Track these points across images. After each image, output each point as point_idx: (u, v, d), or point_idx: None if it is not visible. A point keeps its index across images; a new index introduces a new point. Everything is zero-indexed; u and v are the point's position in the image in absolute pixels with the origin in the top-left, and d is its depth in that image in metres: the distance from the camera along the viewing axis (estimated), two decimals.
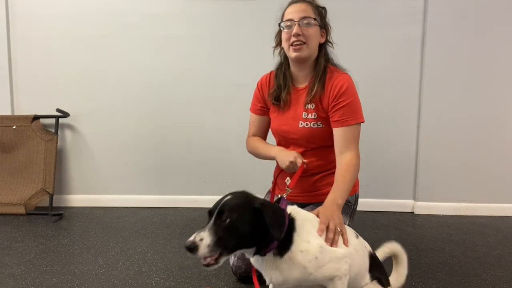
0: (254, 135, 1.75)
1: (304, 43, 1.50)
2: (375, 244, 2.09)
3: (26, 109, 2.74)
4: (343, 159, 1.48)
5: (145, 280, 1.69)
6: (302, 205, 1.67)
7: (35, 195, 2.60)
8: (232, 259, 1.66)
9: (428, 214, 2.60)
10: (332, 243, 1.18)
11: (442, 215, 2.60)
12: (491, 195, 2.61)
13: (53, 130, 2.69)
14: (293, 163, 1.50)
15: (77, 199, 2.78)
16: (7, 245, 2.07)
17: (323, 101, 1.54)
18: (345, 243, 1.20)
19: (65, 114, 2.67)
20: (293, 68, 1.61)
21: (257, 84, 1.73)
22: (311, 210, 1.57)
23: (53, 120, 2.69)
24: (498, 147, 2.59)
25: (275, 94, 1.62)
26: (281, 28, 1.55)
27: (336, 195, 1.39)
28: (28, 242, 2.11)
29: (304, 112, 1.58)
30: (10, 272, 1.76)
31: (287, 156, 1.52)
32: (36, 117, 2.67)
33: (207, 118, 2.71)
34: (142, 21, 2.66)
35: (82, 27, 2.67)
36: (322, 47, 1.58)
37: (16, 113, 2.75)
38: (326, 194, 1.59)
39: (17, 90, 2.74)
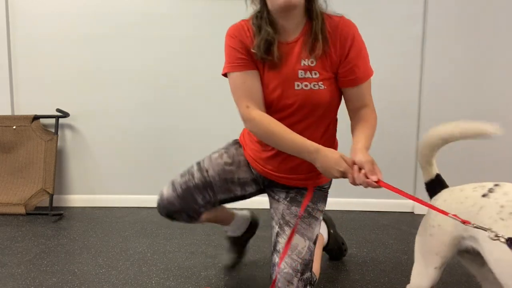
0: (258, 105, 1.30)
1: None
2: (375, 244, 2.10)
3: (26, 109, 2.74)
4: (361, 114, 1.33)
5: (145, 280, 1.69)
6: (270, 183, 1.48)
7: (35, 195, 2.60)
8: (168, 190, 1.42)
9: None
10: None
11: None
12: None
13: (53, 130, 2.69)
14: (338, 178, 1.22)
15: (77, 199, 2.78)
16: (7, 245, 2.08)
17: (330, 55, 1.29)
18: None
19: (65, 114, 2.67)
20: (277, 18, 1.30)
21: (229, 33, 1.35)
22: (285, 200, 1.41)
23: (53, 120, 2.69)
24: (498, 147, 2.59)
25: (264, 46, 1.28)
26: None
27: (365, 144, 1.23)
28: (28, 242, 2.11)
29: (300, 71, 1.29)
30: (10, 272, 1.76)
31: (332, 169, 1.20)
32: (36, 117, 2.67)
33: (207, 117, 2.70)
34: (142, 21, 2.66)
35: (83, 27, 2.67)
36: None
37: (16, 113, 2.75)
38: (304, 179, 1.41)
39: (17, 90, 2.74)
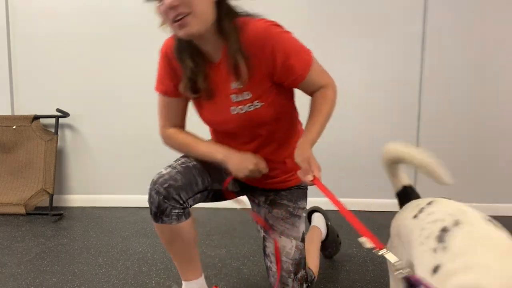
0: (175, 126, 1.36)
1: (189, 12, 1.08)
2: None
3: (26, 109, 2.74)
4: (314, 98, 1.26)
5: (145, 280, 1.69)
6: (246, 187, 1.45)
7: (35, 195, 2.60)
8: (167, 169, 1.27)
9: None
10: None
11: None
12: (491, 195, 2.61)
13: (53, 130, 2.69)
14: (253, 171, 1.24)
15: (77, 199, 2.78)
16: (7, 245, 2.08)
17: (257, 69, 1.18)
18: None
19: (65, 114, 2.67)
20: (195, 43, 1.20)
21: (162, 53, 1.28)
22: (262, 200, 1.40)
23: (53, 120, 2.69)
24: (498, 147, 2.59)
25: (190, 85, 1.23)
26: (151, 2, 1.14)
27: (308, 137, 1.19)
28: (28, 242, 2.11)
29: (232, 95, 1.23)
30: (10, 272, 1.76)
31: (244, 162, 1.23)
32: (36, 117, 2.67)
33: None
34: (143, 21, 2.65)
35: (83, 27, 2.66)
36: (220, 4, 1.16)
37: (16, 113, 2.75)
38: (280, 182, 1.40)
39: (17, 90, 2.74)
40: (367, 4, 2.56)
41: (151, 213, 1.26)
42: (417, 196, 1.11)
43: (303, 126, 1.32)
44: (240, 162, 1.24)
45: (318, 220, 1.84)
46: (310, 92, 1.27)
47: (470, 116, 2.59)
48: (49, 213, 2.54)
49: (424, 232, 0.81)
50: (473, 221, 0.79)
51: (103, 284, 1.65)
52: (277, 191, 1.43)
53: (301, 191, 1.46)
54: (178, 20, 1.09)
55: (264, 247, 1.37)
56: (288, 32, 1.19)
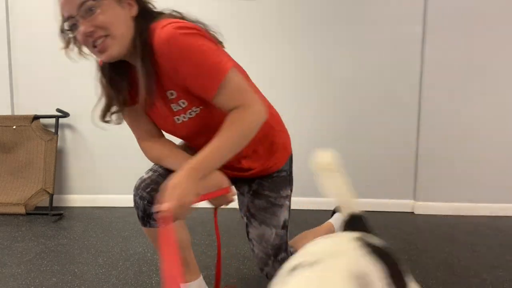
0: (151, 135, 1.31)
1: (107, 35, 1.06)
2: None
3: (26, 109, 2.74)
4: (232, 112, 1.10)
5: (145, 280, 1.69)
6: (229, 179, 1.36)
7: (35, 195, 2.60)
8: (148, 173, 1.30)
9: (428, 214, 2.60)
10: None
11: (442, 215, 2.60)
12: (491, 195, 2.61)
13: (53, 130, 2.69)
14: (219, 199, 1.18)
15: (77, 199, 2.78)
16: (7, 245, 2.08)
17: (177, 80, 1.11)
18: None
19: (65, 114, 2.67)
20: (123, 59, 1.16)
21: (101, 66, 1.28)
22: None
23: (53, 120, 2.69)
24: (498, 147, 2.59)
25: (106, 107, 1.25)
26: (66, 33, 1.11)
27: (197, 161, 1.06)
28: (28, 242, 2.11)
29: (172, 105, 1.18)
30: (10, 272, 1.76)
31: (217, 186, 1.15)
32: (36, 117, 2.67)
33: None
34: None
35: None
36: (139, 17, 1.12)
37: (16, 113, 2.75)
38: (260, 171, 1.35)
39: (17, 90, 2.74)
40: (367, 4, 2.56)
41: (138, 218, 1.26)
42: (362, 228, 0.93)
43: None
44: (213, 182, 1.15)
45: (337, 219, 1.83)
46: (228, 111, 1.11)
47: (470, 116, 2.59)
48: (49, 213, 2.54)
49: (289, 262, 0.70)
50: (331, 268, 0.64)
51: (103, 284, 1.65)
52: (260, 180, 1.40)
53: (281, 179, 1.41)
54: (97, 45, 1.07)
55: (247, 232, 1.38)
56: (200, 38, 1.08)
